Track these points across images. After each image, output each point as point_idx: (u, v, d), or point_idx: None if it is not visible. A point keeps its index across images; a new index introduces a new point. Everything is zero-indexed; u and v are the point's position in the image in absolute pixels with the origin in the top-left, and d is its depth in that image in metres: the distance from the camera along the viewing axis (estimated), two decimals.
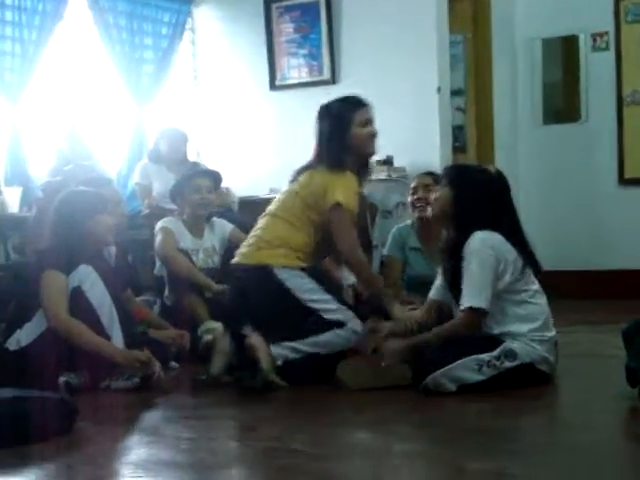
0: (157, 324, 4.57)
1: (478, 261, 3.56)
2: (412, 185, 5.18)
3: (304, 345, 3.85)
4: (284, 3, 7.05)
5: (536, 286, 3.68)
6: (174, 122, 6.79)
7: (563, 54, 7.58)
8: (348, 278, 4.64)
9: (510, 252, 3.61)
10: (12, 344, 3.86)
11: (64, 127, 6.08)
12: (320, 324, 3.89)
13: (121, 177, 6.69)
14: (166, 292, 4.90)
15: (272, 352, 3.80)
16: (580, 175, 7.19)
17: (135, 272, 5.26)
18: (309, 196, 4.02)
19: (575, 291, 6.58)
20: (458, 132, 7.29)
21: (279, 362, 3.81)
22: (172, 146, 6.15)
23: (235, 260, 4.12)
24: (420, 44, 6.64)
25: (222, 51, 7.40)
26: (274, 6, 7.03)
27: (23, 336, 3.84)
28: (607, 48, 7.12)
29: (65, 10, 6.34)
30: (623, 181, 7.09)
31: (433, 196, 3.88)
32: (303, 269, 3.97)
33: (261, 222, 4.13)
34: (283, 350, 3.83)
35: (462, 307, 3.60)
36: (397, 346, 3.69)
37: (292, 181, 4.17)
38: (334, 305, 3.95)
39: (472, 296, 3.57)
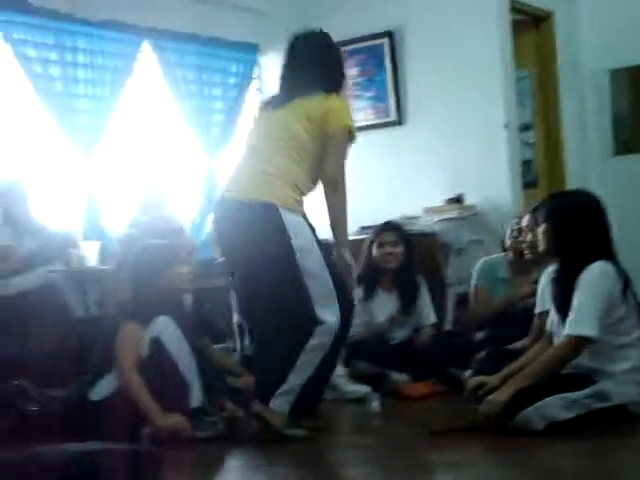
0: (236, 372, 4.61)
1: (593, 291, 3.51)
2: (518, 215, 5.23)
3: (295, 379, 3.70)
4: (348, 47, 7.09)
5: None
6: None
7: (631, 84, 7.50)
8: None
9: (623, 288, 3.56)
10: (95, 395, 3.92)
11: (139, 180, 6.21)
12: (301, 327, 3.71)
13: (194, 226, 6.79)
14: (246, 340, 4.95)
15: (275, 408, 3.70)
16: None
17: (211, 320, 5.31)
18: (315, 125, 3.82)
19: None
20: (527, 167, 7.25)
21: (286, 411, 3.72)
22: None
23: (236, 195, 3.86)
24: (485, 80, 6.64)
25: None
26: None
27: (104, 387, 3.91)
28: None
29: (135, 65, 6.50)
30: None
31: (539, 232, 3.82)
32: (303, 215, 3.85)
33: (260, 154, 3.89)
34: (281, 400, 3.71)
35: (568, 333, 3.52)
36: (502, 398, 3.52)
37: (274, 107, 3.96)
38: (327, 286, 3.74)
39: (581, 323, 3.50)
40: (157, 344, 3.91)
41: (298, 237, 3.72)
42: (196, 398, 3.92)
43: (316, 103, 3.84)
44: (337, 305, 3.73)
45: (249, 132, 4.10)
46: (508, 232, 5.16)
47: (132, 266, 4.18)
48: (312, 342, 3.69)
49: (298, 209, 3.80)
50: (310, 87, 3.87)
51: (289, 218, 3.72)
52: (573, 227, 3.64)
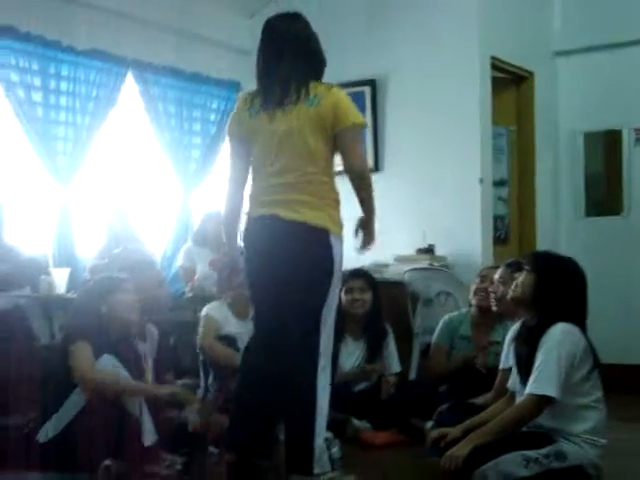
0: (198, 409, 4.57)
1: (556, 351, 3.52)
2: (481, 273, 5.20)
3: (321, 423, 3.60)
4: None
5: (600, 393, 3.63)
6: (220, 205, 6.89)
7: (605, 147, 7.64)
8: None
9: (586, 350, 3.59)
10: (41, 436, 3.79)
11: (113, 209, 6.21)
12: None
13: (165, 259, 6.79)
14: (210, 379, 4.94)
15: (319, 470, 3.61)
16: (622, 269, 7.16)
17: (177, 355, 5.30)
18: (327, 131, 3.68)
19: (615, 385, 6.45)
20: (500, 222, 7.33)
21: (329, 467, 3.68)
22: (218, 228, 6.23)
23: (277, 214, 3.68)
24: (463, 134, 6.72)
25: None
26: None
27: (51, 428, 3.78)
28: None
29: (118, 96, 6.53)
30: None
31: (517, 279, 3.82)
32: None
33: (288, 173, 3.69)
34: (321, 457, 3.63)
35: (530, 392, 3.53)
36: (462, 453, 3.51)
37: (272, 110, 3.74)
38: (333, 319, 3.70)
39: (543, 383, 3.51)
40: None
41: (338, 269, 3.69)
42: (149, 436, 3.85)
43: (322, 105, 3.68)
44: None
45: (247, 137, 3.83)
46: (472, 289, 5.18)
47: (73, 306, 4.15)
48: (321, 362, 3.62)
49: (340, 232, 3.73)
50: (303, 79, 3.73)
51: (337, 248, 3.68)
52: (558, 284, 3.67)
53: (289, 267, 3.64)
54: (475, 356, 5.00)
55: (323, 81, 3.83)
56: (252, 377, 3.77)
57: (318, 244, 3.64)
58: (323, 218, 3.65)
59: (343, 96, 3.76)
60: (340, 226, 3.72)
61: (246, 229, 3.80)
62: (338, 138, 3.71)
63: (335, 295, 3.73)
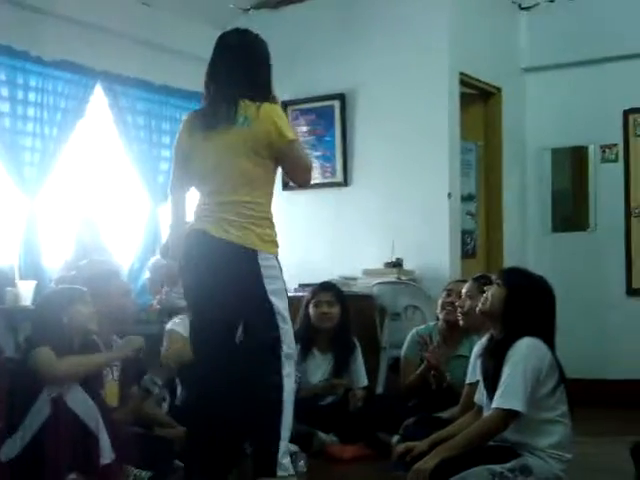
0: (164, 422, 4.55)
1: (522, 365, 3.53)
2: (447, 287, 5.22)
3: (286, 425, 3.61)
4: (300, 106, 7.21)
5: (566, 407, 3.65)
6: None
7: (572, 164, 7.71)
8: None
9: (552, 364, 3.60)
10: (7, 450, 3.65)
11: (82, 219, 6.17)
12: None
13: (133, 271, 6.75)
14: (178, 393, 4.90)
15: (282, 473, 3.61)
16: (588, 284, 7.23)
17: (143, 368, 5.25)
18: (264, 152, 3.70)
19: (581, 400, 6.51)
20: (468, 237, 7.36)
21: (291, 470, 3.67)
22: None
23: (211, 231, 3.71)
24: (432, 149, 6.77)
25: None
26: (290, 109, 7.17)
27: (18, 441, 3.66)
28: (616, 160, 7.25)
29: (86, 108, 6.50)
30: (631, 291, 7.13)
31: (487, 292, 3.82)
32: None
33: (222, 195, 3.72)
34: (284, 459, 3.61)
35: (496, 407, 3.54)
36: (428, 466, 3.51)
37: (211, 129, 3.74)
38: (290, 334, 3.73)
39: (509, 397, 3.52)
40: (59, 404, 3.78)
41: (271, 282, 3.70)
42: (107, 454, 3.74)
43: (252, 130, 3.67)
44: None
45: (186, 155, 3.85)
46: (439, 303, 5.20)
47: (33, 318, 4.12)
48: (285, 370, 3.65)
49: (274, 251, 3.76)
50: (233, 98, 3.71)
51: (269, 264, 3.70)
52: (527, 300, 3.69)
53: (216, 282, 3.68)
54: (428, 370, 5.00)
55: (274, 96, 3.84)
56: (206, 392, 3.80)
57: (245, 262, 3.67)
58: (250, 238, 3.68)
59: (275, 113, 3.73)
60: (274, 244, 3.75)
61: (185, 242, 3.83)
62: (280, 157, 3.75)
63: (283, 304, 3.73)
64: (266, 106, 3.72)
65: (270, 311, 3.67)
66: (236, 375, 3.73)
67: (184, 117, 4.04)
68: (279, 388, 3.62)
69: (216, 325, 3.74)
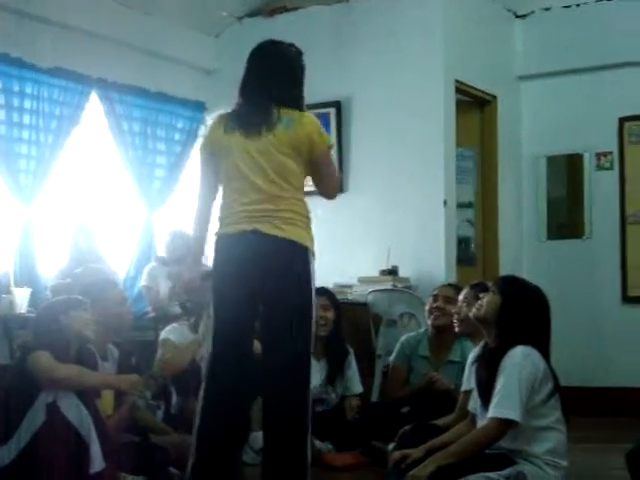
0: (159, 429, 4.54)
1: (517, 374, 3.52)
2: (433, 293, 5.22)
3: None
4: None
5: (559, 414, 3.64)
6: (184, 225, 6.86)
7: (568, 172, 7.71)
8: None
9: (546, 372, 3.60)
10: (3, 457, 3.70)
11: (78, 226, 6.16)
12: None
13: (128, 279, 6.75)
14: (173, 400, 4.89)
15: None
16: (583, 291, 7.23)
17: (139, 375, 5.24)
18: (302, 155, 3.74)
19: (576, 408, 6.51)
20: (466, 244, 7.36)
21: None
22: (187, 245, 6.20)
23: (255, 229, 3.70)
24: (427, 156, 6.77)
25: None
26: None
27: (13, 448, 3.68)
28: (611, 167, 7.26)
29: (82, 115, 6.50)
30: (626, 299, 7.13)
31: (483, 299, 3.81)
32: None
33: (263, 193, 3.72)
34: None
35: (492, 416, 3.53)
36: (424, 474, 3.51)
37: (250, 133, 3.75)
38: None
39: (504, 406, 3.51)
40: (54, 410, 3.78)
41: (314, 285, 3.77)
42: (97, 463, 3.74)
43: (296, 131, 3.73)
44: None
45: (220, 151, 3.83)
46: (427, 308, 5.19)
47: (32, 325, 4.12)
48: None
49: (313, 250, 3.79)
50: (282, 104, 3.78)
51: (313, 265, 3.75)
52: (522, 308, 3.69)
53: (273, 281, 3.67)
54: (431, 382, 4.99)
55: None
56: (220, 395, 3.75)
57: (299, 260, 3.69)
58: (302, 235, 3.71)
59: (315, 121, 3.83)
60: (314, 244, 3.77)
61: (221, 246, 3.79)
62: (317, 162, 3.78)
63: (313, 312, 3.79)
64: (306, 113, 3.83)
65: (310, 317, 3.74)
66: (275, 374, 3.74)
67: (214, 118, 4.02)
68: (305, 406, 3.70)
69: (280, 322, 3.72)
